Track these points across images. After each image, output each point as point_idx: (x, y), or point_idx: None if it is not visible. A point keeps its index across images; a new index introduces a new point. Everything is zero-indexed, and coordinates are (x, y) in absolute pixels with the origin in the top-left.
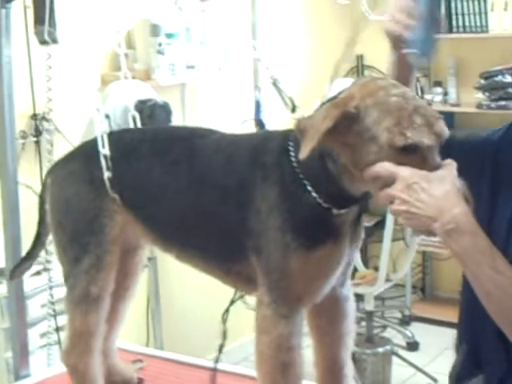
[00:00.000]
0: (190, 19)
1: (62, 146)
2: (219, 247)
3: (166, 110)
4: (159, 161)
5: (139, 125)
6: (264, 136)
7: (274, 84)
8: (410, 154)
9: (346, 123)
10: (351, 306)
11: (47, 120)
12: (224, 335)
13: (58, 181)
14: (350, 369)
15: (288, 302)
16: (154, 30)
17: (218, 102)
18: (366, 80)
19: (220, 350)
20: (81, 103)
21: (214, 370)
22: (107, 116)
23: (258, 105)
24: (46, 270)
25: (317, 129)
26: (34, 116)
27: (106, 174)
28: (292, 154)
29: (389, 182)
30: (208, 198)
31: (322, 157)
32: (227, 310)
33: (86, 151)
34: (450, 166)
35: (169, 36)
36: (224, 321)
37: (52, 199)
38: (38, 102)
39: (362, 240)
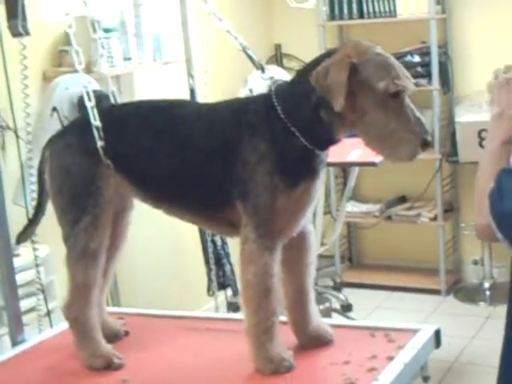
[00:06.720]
0: (124, 14)
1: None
2: (205, 199)
3: (110, 99)
4: (145, 130)
5: (118, 100)
6: (240, 101)
7: (244, 50)
8: (395, 99)
9: (350, 75)
10: (313, 239)
11: None
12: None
13: (56, 152)
14: (313, 294)
15: (272, 236)
16: (93, 26)
17: (154, 91)
18: (355, 42)
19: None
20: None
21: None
22: (55, 109)
23: (192, 92)
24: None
25: (339, 81)
26: None
27: (99, 143)
28: (279, 109)
29: None
30: (193, 158)
31: (317, 107)
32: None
33: (80, 125)
34: None
35: (106, 31)
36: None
37: (51, 169)
38: None
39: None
